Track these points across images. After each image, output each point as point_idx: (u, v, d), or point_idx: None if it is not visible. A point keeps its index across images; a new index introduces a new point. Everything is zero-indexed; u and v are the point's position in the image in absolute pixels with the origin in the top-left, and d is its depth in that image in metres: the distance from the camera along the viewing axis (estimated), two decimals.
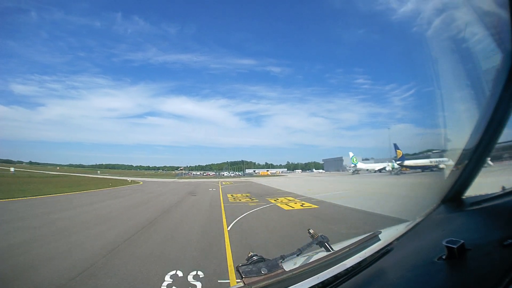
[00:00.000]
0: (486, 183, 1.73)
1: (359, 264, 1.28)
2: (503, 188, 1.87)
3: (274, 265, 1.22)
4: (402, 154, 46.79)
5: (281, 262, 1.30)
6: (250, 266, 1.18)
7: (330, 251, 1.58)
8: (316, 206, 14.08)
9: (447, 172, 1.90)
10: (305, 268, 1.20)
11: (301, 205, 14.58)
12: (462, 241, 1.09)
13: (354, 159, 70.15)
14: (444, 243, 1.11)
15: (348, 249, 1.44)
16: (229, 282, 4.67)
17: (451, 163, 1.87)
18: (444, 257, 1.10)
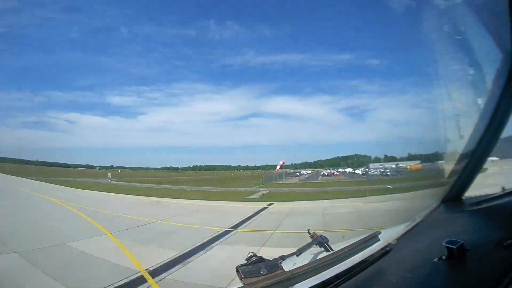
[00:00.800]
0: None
1: (359, 264, 1.28)
2: (503, 188, 1.87)
3: (273, 265, 1.22)
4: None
5: (280, 262, 1.30)
6: (250, 267, 1.18)
7: (330, 251, 1.58)
8: None
9: (447, 172, 1.89)
10: (305, 268, 1.20)
11: None
12: (462, 241, 1.09)
13: None
14: (444, 243, 1.11)
15: (348, 249, 1.44)
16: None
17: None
18: (444, 257, 1.09)
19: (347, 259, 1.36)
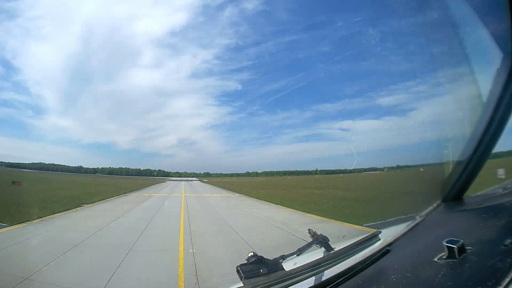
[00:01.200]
0: None
1: (359, 264, 1.28)
2: (503, 188, 1.87)
3: (274, 265, 1.22)
4: None
5: (281, 262, 1.31)
6: (250, 266, 1.18)
7: (330, 251, 1.59)
8: None
9: (447, 172, 1.89)
10: (305, 268, 1.20)
11: None
12: (462, 241, 1.09)
13: None
14: (444, 243, 1.11)
15: (348, 249, 1.44)
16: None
17: None
18: (444, 256, 1.10)
19: (347, 258, 1.36)
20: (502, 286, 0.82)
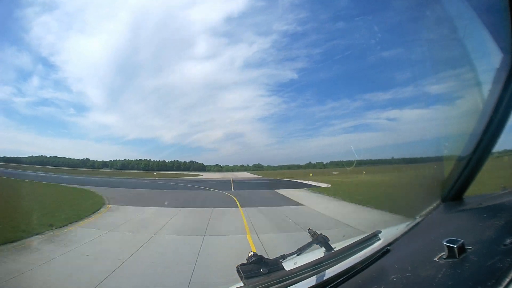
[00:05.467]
0: None
1: (359, 263, 1.28)
2: (503, 188, 1.87)
3: (274, 265, 1.22)
4: None
5: (281, 261, 1.31)
6: (250, 266, 1.18)
7: (331, 250, 1.59)
8: None
9: (447, 172, 1.90)
10: (306, 267, 1.21)
11: None
12: (462, 240, 1.10)
13: None
14: (444, 242, 1.11)
15: (348, 248, 1.44)
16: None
17: None
18: (444, 256, 1.10)
19: (347, 258, 1.36)
20: (502, 286, 0.82)
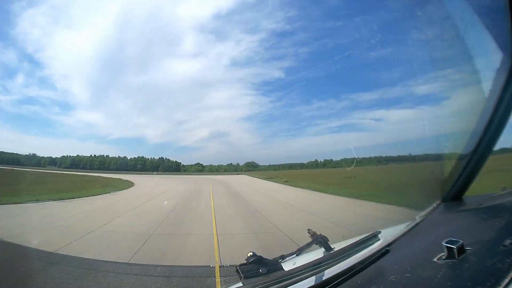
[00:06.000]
0: None
1: (359, 264, 1.27)
2: (503, 188, 1.87)
3: (273, 265, 1.22)
4: None
5: (280, 262, 1.30)
6: (250, 266, 1.18)
7: (330, 251, 1.58)
8: None
9: (447, 172, 1.89)
10: (305, 268, 1.20)
11: None
12: (462, 241, 1.09)
13: None
14: (443, 243, 1.11)
15: (348, 249, 1.44)
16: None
17: None
18: (443, 257, 1.10)
19: (347, 258, 1.36)
20: (502, 286, 0.82)
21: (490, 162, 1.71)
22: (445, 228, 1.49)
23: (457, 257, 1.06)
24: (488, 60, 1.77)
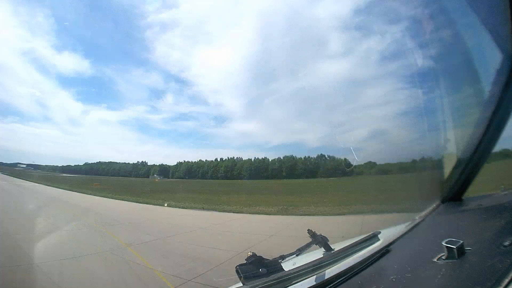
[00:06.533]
0: None
1: (358, 264, 1.27)
2: (503, 188, 1.87)
3: (273, 265, 1.21)
4: None
5: (280, 262, 1.30)
6: (249, 267, 1.18)
7: (330, 251, 1.58)
8: None
9: (447, 173, 1.89)
10: (305, 268, 1.20)
11: None
12: (462, 241, 1.09)
13: None
14: (443, 243, 1.11)
15: (347, 249, 1.44)
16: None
17: None
18: (443, 257, 1.09)
19: (347, 258, 1.36)
20: (502, 287, 0.82)
21: (490, 163, 1.71)
22: (445, 228, 1.49)
23: (457, 257, 1.06)
24: (488, 60, 1.77)
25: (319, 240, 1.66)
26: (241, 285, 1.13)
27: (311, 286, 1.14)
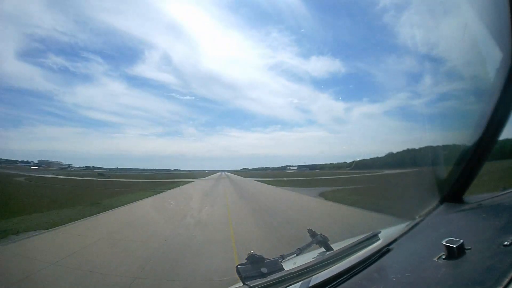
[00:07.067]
0: None
1: (359, 263, 1.27)
2: (503, 188, 1.87)
3: (274, 265, 1.22)
4: None
5: (281, 261, 1.30)
6: (250, 266, 1.18)
7: (330, 250, 1.58)
8: None
9: (447, 173, 1.89)
10: (305, 267, 1.20)
11: None
12: (462, 240, 1.09)
13: None
14: (443, 242, 1.11)
15: (348, 248, 1.44)
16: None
17: None
18: (443, 257, 1.10)
19: (347, 258, 1.36)
20: (502, 286, 0.82)
21: (490, 163, 1.71)
22: (445, 227, 1.49)
23: (457, 257, 1.06)
24: (488, 60, 1.77)
25: (319, 239, 1.66)
26: (241, 284, 1.13)
27: (311, 286, 1.14)
